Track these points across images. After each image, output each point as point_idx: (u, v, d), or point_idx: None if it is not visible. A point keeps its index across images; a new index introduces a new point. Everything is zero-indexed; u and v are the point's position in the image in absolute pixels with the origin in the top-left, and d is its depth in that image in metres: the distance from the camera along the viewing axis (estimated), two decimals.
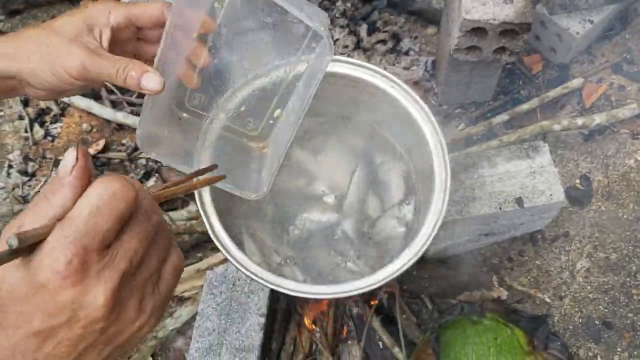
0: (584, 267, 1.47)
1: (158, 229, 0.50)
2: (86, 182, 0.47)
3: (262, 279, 1.05)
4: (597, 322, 1.42)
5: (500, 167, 1.33)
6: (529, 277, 1.47)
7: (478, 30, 1.31)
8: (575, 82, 1.62)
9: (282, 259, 1.24)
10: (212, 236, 1.08)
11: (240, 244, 1.23)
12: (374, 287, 1.02)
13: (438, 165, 1.12)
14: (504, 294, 1.37)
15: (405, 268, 1.03)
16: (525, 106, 1.60)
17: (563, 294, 1.45)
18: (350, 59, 1.20)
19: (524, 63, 1.73)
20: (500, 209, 1.29)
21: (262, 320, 1.29)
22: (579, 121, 1.53)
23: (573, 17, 1.60)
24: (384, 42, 1.76)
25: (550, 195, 1.28)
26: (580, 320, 1.42)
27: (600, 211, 1.53)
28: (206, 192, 1.13)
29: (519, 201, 1.28)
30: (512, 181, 1.31)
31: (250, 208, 1.31)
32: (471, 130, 1.57)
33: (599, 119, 1.53)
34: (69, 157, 0.47)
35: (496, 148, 1.47)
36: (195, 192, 1.13)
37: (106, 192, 0.45)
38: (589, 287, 1.45)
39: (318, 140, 1.37)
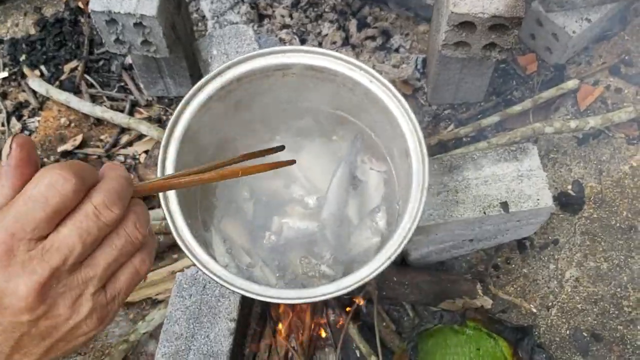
0: (573, 276, 1.40)
1: (115, 228, 0.48)
2: (28, 171, 0.46)
3: (227, 282, 0.98)
4: (585, 334, 1.35)
5: (486, 170, 1.26)
6: (515, 286, 1.40)
7: (467, 24, 1.25)
8: (570, 84, 1.56)
9: (253, 260, 1.18)
10: (175, 236, 1.02)
11: (207, 245, 1.16)
12: (343, 292, 0.95)
13: (416, 164, 1.05)
14: (488, 302, 1.30)
15: (377, 272, 0.97)
16: (517, 108, 1.53)
17: (550, 304, 1.38)
18: (328, 51, 1.14)
19: (518, 63, 1.66)
20: (485, 213, 1.22)
21: (232, 325, 1.22)
22: (572, 124, 1.46)
23: (570, 16, 1.53)
24: (373, 38, 1.69)
25: (538, 200, 1.22)
26: (568, 332, 1.35)
27: (592, 218, 1.46)
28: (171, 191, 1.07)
29: (505, 206, 1.22)
30: (497, 184, 1.25)
31: (228, 206, 1.25)
32: (459, 131, 1.51)
33: (593, 122, 1.47)
34: (7, 147, 0.46)
35: (483, 150, 1.41)
36: None
37: (43, 181, 0.44)
38: (577, 298, 1.38)
39: (298, 138, 1.31)
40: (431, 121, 1.63)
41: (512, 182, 1.25)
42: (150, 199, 1.63)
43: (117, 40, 1.39)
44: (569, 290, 1.39)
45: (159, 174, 1.10)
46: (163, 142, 1.11)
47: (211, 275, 0.99)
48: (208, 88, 1.14)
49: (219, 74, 1.15)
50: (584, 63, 1.65)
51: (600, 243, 1.43)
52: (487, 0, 1.21)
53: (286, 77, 1.19)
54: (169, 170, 1.10)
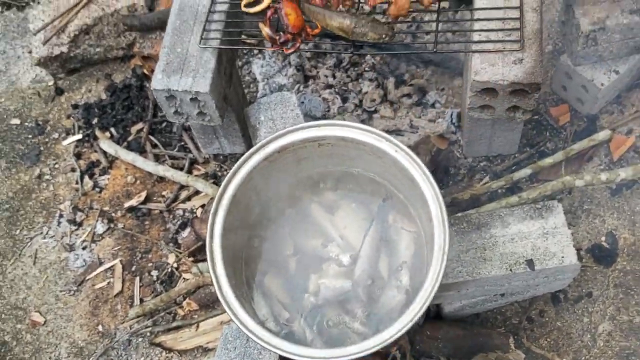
0: (606, 330, 1.42)
1: None
2: None
3: (264, 341, 1.10)
4: None
5: (513, 227, 1.33)
6: (548, 340, 1.44)
7: (489, 90, 1.33)
8: (602, 135, 1.59)
9: (292, 315, 1.28)
10: (220, 298, 1.15)
11: (249, 300, 1.28)
12: (369, 352, 1.05)
13: (438, 229, 1.14)
14: (520, 357, 1.35)
15: (401, 333, 1.05)
16: (549, 160, 1.58)
17: (583, 358, 1.41)
18: (358, 124, 1.25)
19: (551, 114, 1.71)
20: (511, 270, 1.28)
21: None
22: (603, 176, 1.50)
23: (598, 68, 1.58)
24: (409, 96, 1.79)
25: (562, 257, 1.27)
26: None
27: (625, 271, 1.48)
28: (218, 254, 1.20)
29: (530, 263, 1.27)
30: (524, 242, 1.30)
31: (272, 263, 1.36)
32: (492, 185, 1.57)
33: (624, 174, 1.50)
34: None
35: (515, 204, 1.47)
36: (207, 252, 1.20)
37: None
38: (609, 352, 1.40)
39: (334, 197, 1.42)
40: (467, 173, 1.70)
41: (537, 240, 1.30)
42: (202, 253, 1.77)
43: (175, 112, 1.56)
44: (602, 344, 1.41)
45: (207, 239, 1.23)
46: (212, 210, 1.25)
47: (250, 335, 1.10)
48: (252, 160, 1.28)
49: (262, 147, 1.28)
50: (617, 112, 1.68)
51: (634, 296, 1.45)
52: (506, 68, 1.29)
53: (322, 147, 1.31)
54: (217, 234, 1.24)
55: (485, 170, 1.69)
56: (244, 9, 1.43)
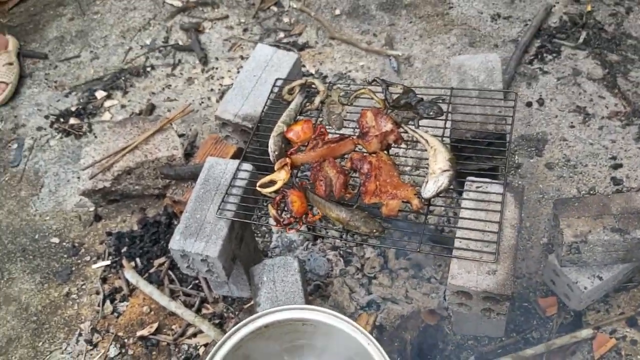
0: None
1: None
2: None
3: None
4: None
5: None
6: None
7: (465, 292, 1.45)
8: (584, 333, 1.66)
9: None
10: None
11: None
12: None
13: None
14: None
15: None
16: (529, 351, 1.66)
17: None
18: (337, 314, 1.39)
19: (539, 304, 1.80)
20: None
21: None
22: None
23: (582, 272, 1.67)
24: (406, 269, 1.92)
25: None
26: None
27: None
28: None
29: None
30: None
31: None
32: None
33: None
34: None
35: None
36: None
37: None
38: None
39: None
40: (454, 350, 1.78)
41: None
42: None
43: (188, 267, 1.73)
44: None
45: None
46: None
47: None
48: (240, 332, 1.42)
49: (251, 321, 1.43)
50: (603, 310, 1.76)
51: None
52: (480, 276, 1.41)
53: (305, 326, 1.45)
54: None
55: (472, 350, 1.77)
56: (258, 188, 1.62)
